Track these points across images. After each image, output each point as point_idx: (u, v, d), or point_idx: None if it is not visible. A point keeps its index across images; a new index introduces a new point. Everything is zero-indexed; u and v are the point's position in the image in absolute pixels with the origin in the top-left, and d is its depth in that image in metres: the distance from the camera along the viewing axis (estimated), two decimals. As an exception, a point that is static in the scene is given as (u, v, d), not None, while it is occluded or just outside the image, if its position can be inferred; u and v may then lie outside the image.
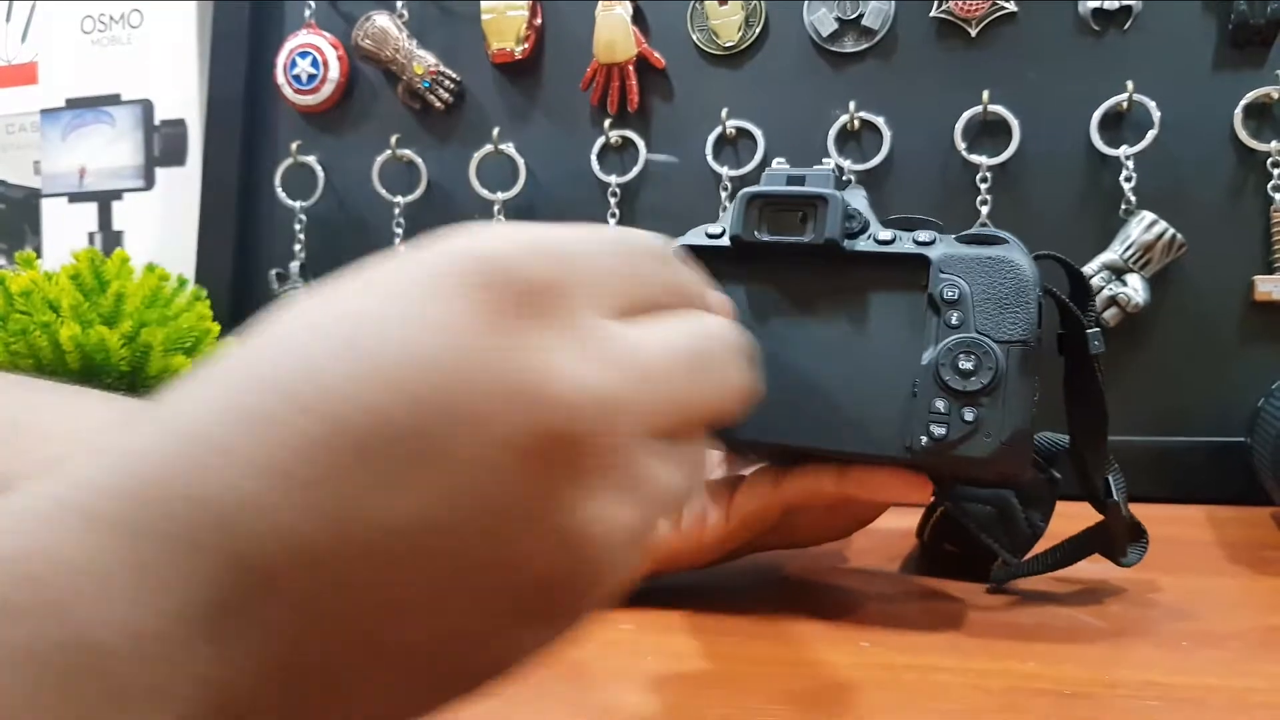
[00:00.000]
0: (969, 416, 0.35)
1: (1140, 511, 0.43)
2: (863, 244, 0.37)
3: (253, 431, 0.16)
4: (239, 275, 0.83)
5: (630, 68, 0.74)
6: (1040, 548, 0.43)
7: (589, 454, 0.18)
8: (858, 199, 0.38)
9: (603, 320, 0.20)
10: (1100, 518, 0.41)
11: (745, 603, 0.41)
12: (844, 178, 0.40)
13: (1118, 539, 0.40)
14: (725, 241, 0.39)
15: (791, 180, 0.38)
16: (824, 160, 0.40)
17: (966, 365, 0.35)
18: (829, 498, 0.38)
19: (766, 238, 0.38)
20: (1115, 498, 0.40)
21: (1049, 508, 0.44)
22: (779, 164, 0.40)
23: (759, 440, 0.38)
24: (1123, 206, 0.66)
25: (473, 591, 0.17)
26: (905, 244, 0.37)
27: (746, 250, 0.38)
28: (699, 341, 0.21)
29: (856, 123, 0.71)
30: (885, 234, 0.37)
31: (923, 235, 0.37)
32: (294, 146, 0.81)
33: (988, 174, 0.68)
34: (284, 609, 0.16)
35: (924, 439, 0.35)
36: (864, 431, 0.36)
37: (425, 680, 0.18)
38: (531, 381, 0.17)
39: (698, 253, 0.38)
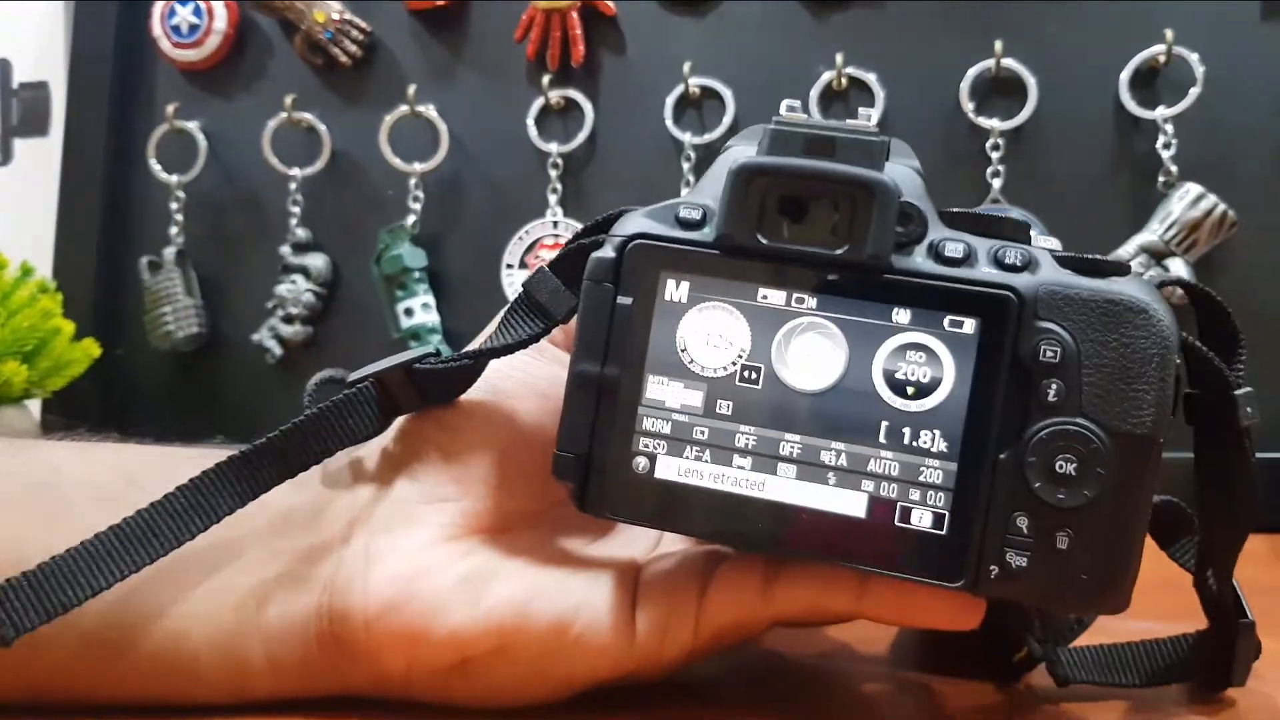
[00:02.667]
0: (1063, 544, 0.24)
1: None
2: (920, 261, 0.25)
3: None
4: (105, 263, 0.72)
5: (574, 14, 0.65)
6: (1103, 637, 0.32)
7: None
8: (912, 183, 0.26)
9: None
10: (1204, 623, 0.31)
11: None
12: (886, 139, 0.27)
13: (1245, 662, 0.30)
14: (708, 237, 0.27)
15: (812, 145, 0.26)
16: (861, 113, 0.27)
17: (1066, 468, 0.24)
18: (840, 617, 0.28)
19: (776, 244, 0.26)
20: (1249, 616, 0.29)
21: None
22: (790, 110, 0.28)
23: (738, 541, 0.27)
24: (1161, 179, 0.58)
25: None
26: (983, 266, 0.25)
27: (739, 255, 0.27)
28: None
29: (843, 80, 0.62)
30: (955, 246, 0.25)
31: (1012, 254, 0.25)
32: (170, 110, 0.70)
33: (1000, 141, 0.60)
34: None
35: (994, 569, 0.24)
36: (907, 547, 0.25)
37: None
38: None
39: (664, 253, 0.27)
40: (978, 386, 0.25)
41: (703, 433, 0.26)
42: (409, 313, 0.64)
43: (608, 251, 0.27)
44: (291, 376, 0.68)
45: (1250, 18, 0.57)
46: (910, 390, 0.25)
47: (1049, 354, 0.24)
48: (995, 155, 0.59)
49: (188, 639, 0.28)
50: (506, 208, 0.66)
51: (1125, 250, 0.56)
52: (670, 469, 0.27)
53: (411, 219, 0.66)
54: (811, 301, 0.26)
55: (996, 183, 0.59)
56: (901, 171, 0.26)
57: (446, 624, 0.27)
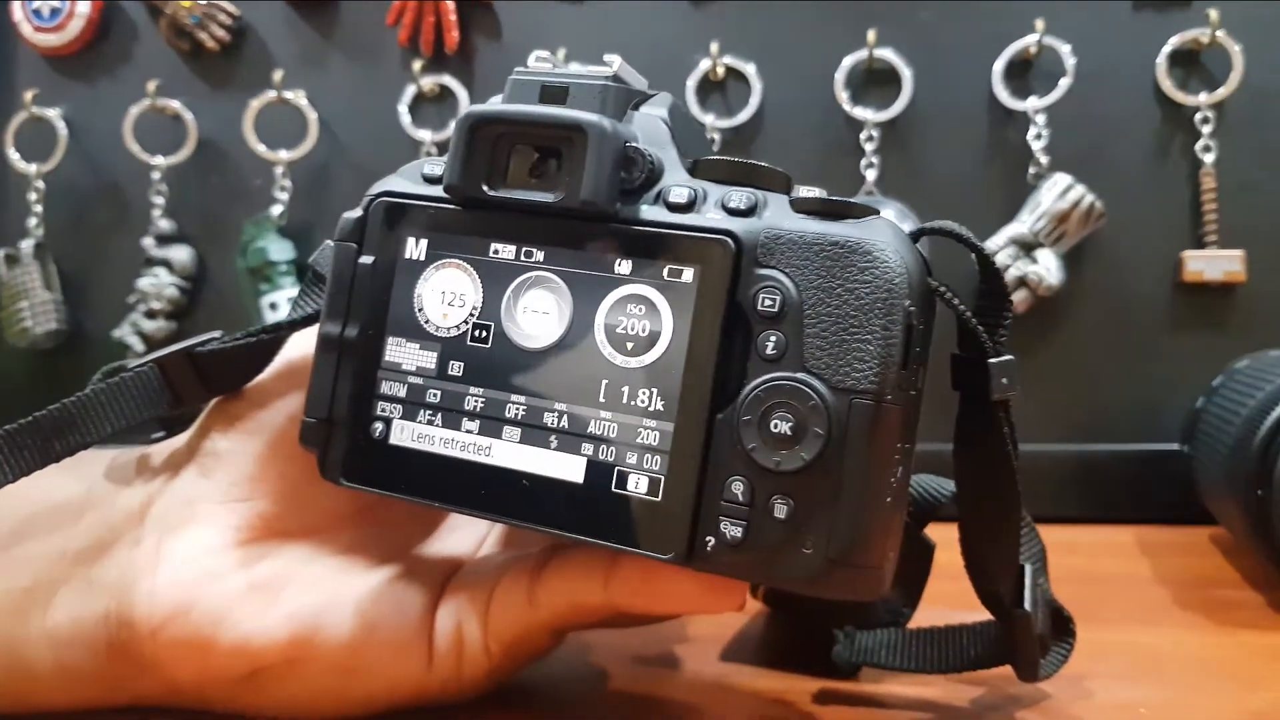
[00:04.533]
0: (781, 513, 0.22)
1: (1056, 534, 0.33)
2: (645, 208, 0.24)
3: None
4: (-40, 257, 0.67)
5: None
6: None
7: None
8: (651, 130, 0.25)
9: None
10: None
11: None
12: (641, 87, 0.26)
13: (1028, 654, 0.28)
14: (442, 192, 0.26)
15: (548, 93, 0.25)
16: (606, 59, 0.26)
17: (782, 427, 0.22)
18: (599, 613, 0.26)
19: (499, 193, 0.25)
20: (1027, 606, 0.28)
21: (918, 586, 0.32)
22: (540, 60, 0.26)
23: (463, 508, 0.25)
24: (1031, 170, 0.57)
25: None
26: (709, 211, 0.24)
27: (469, 208, 0.26)
28: None
29: (720, 70, 0.60)
30: (681, 192, 0.24)
31: (737, 197, 0.23)
32: (29, 97, 0.66)
33: (874, 132, 0.58)
34: None
35: (710, 540, 0.23)
36: (622, 514, 0.24)
37: None
38: None
39: (403, 210, 0.26)
40: (695, 340, 0.23)
41: (435, 395, 0.25)
42: (274, 307, 0.61)
43: (355, 211, 0.26)
44: (156, 374, 0.65)
45: (1122, 10, 0.56)
46: (630, 346, 0.24)
47: (767, 303, 0.23)
48: (870, 147, 0.57)
49: None
50: (379, 198, 0.64)
51: (995, 241, 0.56)
52: (404, 434, 0.26)
53: (278, 209, 0.63)
54: (539, 255, 0.25)
55: (871, 174, 0.57)
56: (642, 117, 0.25)
57: (233, 633, 0.26)
